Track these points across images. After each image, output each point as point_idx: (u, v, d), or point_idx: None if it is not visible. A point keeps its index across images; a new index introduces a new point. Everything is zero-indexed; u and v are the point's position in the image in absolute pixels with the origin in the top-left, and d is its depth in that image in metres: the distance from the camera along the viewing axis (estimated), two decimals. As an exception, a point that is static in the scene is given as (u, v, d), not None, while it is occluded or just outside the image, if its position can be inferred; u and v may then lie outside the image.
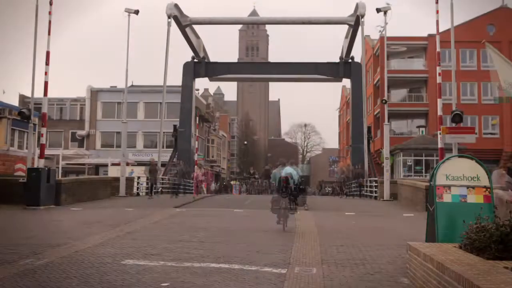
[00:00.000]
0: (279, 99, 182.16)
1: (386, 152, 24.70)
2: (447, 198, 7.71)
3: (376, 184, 25.77)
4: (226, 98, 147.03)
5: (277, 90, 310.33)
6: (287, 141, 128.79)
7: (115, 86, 56.11)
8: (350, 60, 38.61)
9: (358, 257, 8.52)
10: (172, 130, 38.42)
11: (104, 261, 7.88)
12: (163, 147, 38.39)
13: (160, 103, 37.16)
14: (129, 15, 26.91)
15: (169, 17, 33.81)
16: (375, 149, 43.18)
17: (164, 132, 36.83)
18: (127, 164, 31.81)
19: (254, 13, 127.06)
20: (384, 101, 26.33)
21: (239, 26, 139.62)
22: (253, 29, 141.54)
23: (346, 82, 46.25)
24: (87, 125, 54.25)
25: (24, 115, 19.12)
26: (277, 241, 10.23)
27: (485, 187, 7.74)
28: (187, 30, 36.72)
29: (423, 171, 38.90)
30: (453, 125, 18.60)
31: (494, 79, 12.12)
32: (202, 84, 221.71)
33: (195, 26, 38.72)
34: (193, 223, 13.30)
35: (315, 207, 19.42)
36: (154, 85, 55.30)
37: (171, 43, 35.20)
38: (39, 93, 19.70)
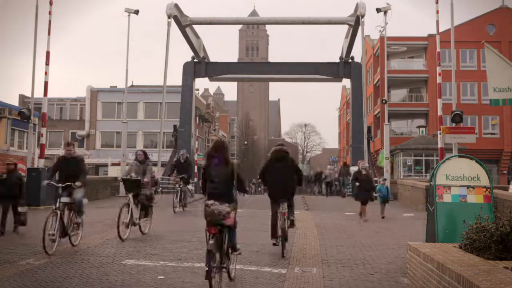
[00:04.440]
0: (279, 99, 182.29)
1: (386, 152, 24.71)
2: (447, 198, 7.71)
3: (376, 184, 25.73)
4: (226, 98, 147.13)
5: (277, 90, 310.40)
6: (287, 141, 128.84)
7: (115, 86, 56.13)
8: (350, 60, 38.60)
9: (358, 257, 8.52)
10: (172, 130, 38.43)
11: (104, 261, 7.88)
12: (163, 147, 38.37)
13: (160, 103, 37.15)
14: (129, 15, 26.93)
15: (169, 17, 33.79)
16: (375, 149, 43.17)
17: (164, 132, 36.82)
18: (127, 164, 31.78)
19: (254, 13, 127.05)
20: (384, 101, 26.35)
21: (239, 26, 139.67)
22: (253, 29, 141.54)
23: (346, 82, 46.29)
24: (87, 125, 54.24)
25: (24, 115, 19.11)
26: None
27: (485, 187, 7.74)
28: (187, 30, 36.71)
29: (423, 171, 38.89)
30: (453, 125, 18.60)
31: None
32: (202, 84, 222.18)
33: (195, 26, 38.71)
34: (193, 223, 13.29)
35: (315, 207, 19.42)
36: (154, 85, 55.34)
37: (171, 43, 35.24)
38: (39, 93, 19.71)
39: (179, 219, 14.50)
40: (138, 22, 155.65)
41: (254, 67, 50.27)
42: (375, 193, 16.34)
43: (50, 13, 19.28)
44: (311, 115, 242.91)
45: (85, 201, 9.93)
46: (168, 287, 6.39)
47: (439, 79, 19.78)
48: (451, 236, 7.22)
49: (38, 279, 6.71)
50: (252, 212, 17.10)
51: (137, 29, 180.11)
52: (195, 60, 39.43)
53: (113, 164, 40.70)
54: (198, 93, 61.40)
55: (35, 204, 17.29)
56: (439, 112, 19.69)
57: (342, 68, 38.61)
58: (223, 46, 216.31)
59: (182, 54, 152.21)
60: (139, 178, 10.99)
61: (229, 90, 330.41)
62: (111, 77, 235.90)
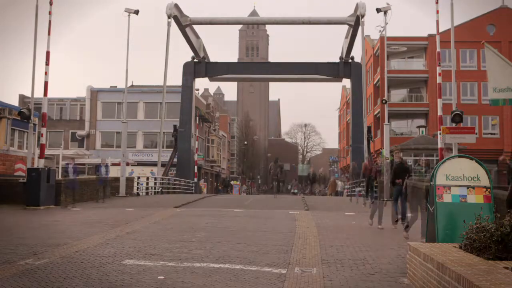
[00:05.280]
0: (279, 99, 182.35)
1: (386, 152, 24.70)
2: (447, 198, 7.71)
3: (376, 184, 25.70)
4: (226, 98, 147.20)
5: (277, 90, 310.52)
6: (287, 141, 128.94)
7: (115, 86, 56.13)
8: (350, 60, 38.63)
9: (358, 257, 8.52)
10: (172, 130, 38.46)
11: (104, 261, 7.88)
12: (163, 147, 38.39)
13: (160, 103, 37.18)
14: (129, 15, 26.91)
15: (169, 17, 33.81)
16: (375, 149, 43.18)
17: (164, 132, 36.84)
18: (127, 164, 31.79)
19: (254, 13, 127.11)
20: (384, 101, 26.33)
21: (239, 26, 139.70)
22: (253, 29, 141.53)
23: (346, 82, 46.33)
24: (87, 125, 54.25)
25: (24, 115, 19.10)
26: (277, 241, 10.23)
27: (485, 187, 7.74)
28: (187, 30, 36.73)
29: (423, 171, 38.89)
30: (453, 125, 18.59)
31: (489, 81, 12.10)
32: (202, 84, 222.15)
33: (195, 26, 38.73)
34: (193, 223, 13.30)
35: (315, 207, 19.42)
36: (154, 85, 55.34)
37: (171, 43, 35.27)
38: (39, 93, 19.71)
39: (179, 219, 14.50)
40: (138, 22, 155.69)
41: (254, 67, 50.32)
42: None
43: (50, 13, 19.27)
44: (311, 115, 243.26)
45: None
46: (168, 287, 6.39)
47: (439, 79, 19.76)
48: (451, 236, 7.22)
49: (38, 279, 6.71)
50: (252, 212, 17.11)
51: (137, 29, 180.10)
52: (195, 60, 39.46)
53: (113, 164, 40.63)
54: (198, 93, 61.41)
55: (35, 204, 17.29)
56: (439, 112, 19.68)
57: (342, 68, 38.63)
58: (223, 46, 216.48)
59: (182, 54, 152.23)
60: None
61: (229, 90, 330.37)
62: (111, 77, 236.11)
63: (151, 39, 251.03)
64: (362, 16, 32.38)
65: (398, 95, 50.37)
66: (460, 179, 7.76)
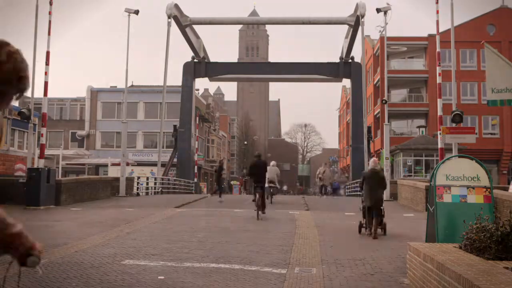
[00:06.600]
0: (279, 99, 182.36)
1: (386, 152, 24.70)
2: (447, 198, 7.72)
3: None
4: (226, 98, 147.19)
5: (277, 90, 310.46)
6: (287, 141, 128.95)
7: (115, 86, 56.11)
8: (350, 60, 38.63)
9: (358, 257, 8.52)
10: (172, 130, 38.45)
11: (104, 261, 7.88)
12: (163, 147, 38.38)
13: (160, 103, 37.18)
14: (129, 15, 26.91)
15: (169, 17, 33.81)
16: (375, 149, 43.17)
17: (164, 132, 36.83)
18: (127, 164, 31.78)
19: (254, 13, 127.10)
20: (384, 101, 26.32)
21: (239, 26, 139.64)
22: (253, 29, 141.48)
23: (346, 82, 46.32)
24: (87, 125, 54.23)
25: (24, 115, 19.09)
26: (277, 241, 10.23)
27: (485, 187, 7.75)
28: (187, 30, 36.73)
29: (423, 171, 38.90)
30: (453, 125, 18.58)
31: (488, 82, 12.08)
32: (202, 84, 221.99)
33: (195, 26, 38.74)
34: (193, 223, 13.30)
35: (315, 207, 19.42)
36: (154, 85, 55.34)
37: (171, 43, 35.28)
38: (39, 93, 19.72)
39: (179, 219, 14.50)
40: (138, 22, 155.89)
41: (254, 67, 50.30)
42: None
43: (50, 13, 19.27)
44: (311, 115, 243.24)
45: None
46: (168, 287, 6.40)
47: (439, 79, 19.76)
48: (451, 236, 7.23)
49: (38, 279, 6.71)
50: (252, 212, 17.11)
51: (137, 29, 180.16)
52: (195, 60, 39.46)
53: (113, 164, 40.66)
54: (198, 93, 61.41)
55: (35, 204, 17.28)
56: (439, 112, 19.68)
57: (342, 68, 38.63)
58: (223, 46, 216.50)
59: (182, 54, 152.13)
60: None
61: (229, 90, 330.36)
62: (111, 77, 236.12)
63: (151, 39, 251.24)
64: (362, 16, 32.37)
65: (398, 95, 50.38)
66: (460, 179, 7.77)
